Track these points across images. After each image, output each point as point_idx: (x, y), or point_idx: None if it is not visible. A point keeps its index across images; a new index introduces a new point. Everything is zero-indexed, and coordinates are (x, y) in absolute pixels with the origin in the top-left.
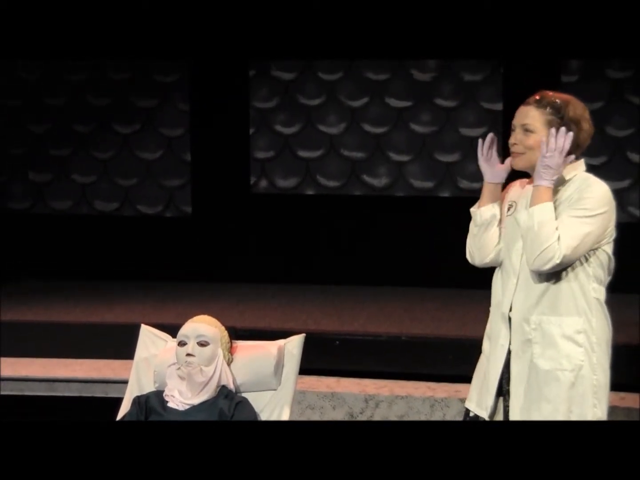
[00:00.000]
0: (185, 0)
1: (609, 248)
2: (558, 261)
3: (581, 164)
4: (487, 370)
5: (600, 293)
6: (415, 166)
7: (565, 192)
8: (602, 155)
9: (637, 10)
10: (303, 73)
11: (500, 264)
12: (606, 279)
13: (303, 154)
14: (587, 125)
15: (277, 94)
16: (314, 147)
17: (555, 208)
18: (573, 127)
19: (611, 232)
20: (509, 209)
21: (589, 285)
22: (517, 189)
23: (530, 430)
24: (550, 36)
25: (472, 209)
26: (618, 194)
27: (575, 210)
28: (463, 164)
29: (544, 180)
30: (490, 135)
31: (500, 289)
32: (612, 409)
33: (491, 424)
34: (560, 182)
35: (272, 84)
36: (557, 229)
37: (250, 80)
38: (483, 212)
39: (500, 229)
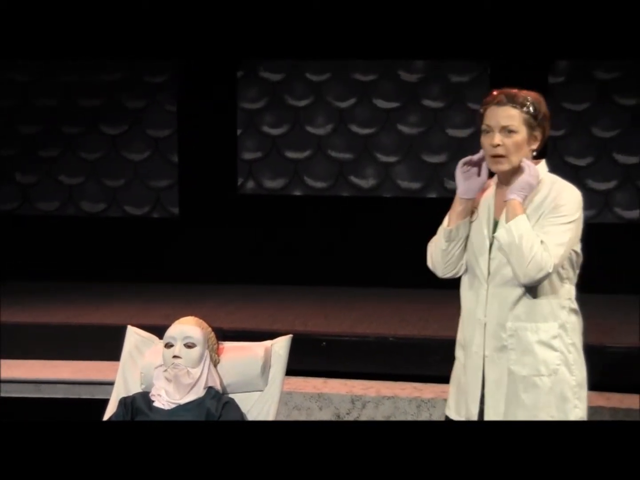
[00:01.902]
0: (174, 1)
1: (578, 247)
2: (550, 270)
3: (544, 164)
4: (466, 378)
5: (572, 293)
6: (402, 167)
7: (537, 196)
8: (589, 156)
9: (624, 11)
10: (291, 74)
11: (465, 271)
12: (575, 276)
13: (290, 155)
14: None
15: (264, 95)
16: (302, 148)
17: (529, 214)
18: (545, 125)
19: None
20: (472, 216)
21: (562, 289)
22: (480, 194)
23: (517, 431)
24: (538, 37)
25: (444, 226)
26: (604, 195)
27: (556, 218)
28: (450, 165)
29: (519, 196)
30: (480, 154)
31: (472, 297)
32: (596, 410)
33: (478, 424)
34: None
35: (260, 85)
36: (540, 239)
37: (238, 81)
38: (458, 229)
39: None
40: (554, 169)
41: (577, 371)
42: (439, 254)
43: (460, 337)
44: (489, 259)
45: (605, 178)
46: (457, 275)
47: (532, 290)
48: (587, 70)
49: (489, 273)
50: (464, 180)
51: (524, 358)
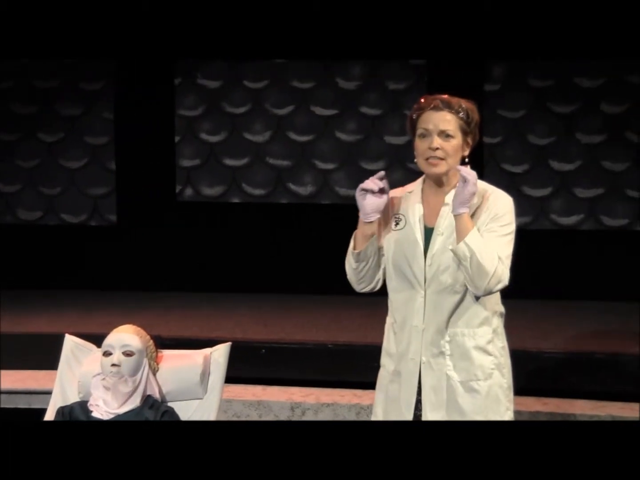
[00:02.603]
0: (113, 5)
1: None
2: (507, 282)
3: None
4: (398, 385)
5: (499, 297)
6: (340, 174)
7: (474, 204)
8: (525, 163)
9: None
10: (228, 81)
11: (392, 280)
12: None
13: (229, 162)
14: None
15: (202, 102)
16: (240, 155)
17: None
18: (476, 132)
19: None
20: (396, 224)
21: (492, 295)
22: (399, 200)
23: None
24: (474, 43)
25: (350, 250)
26: (540, 202)
27: (500, 228)
28: (388, 172)
29: (466, 208)
30: (381, 173)
31: (406, 304)
32: (533, 414)
33: (429, 424)
34: None
35: (198, 92)
36: (496, 253)
37: (176, 88)
38: (366, 250)
39: (380, 253)
40: (490, 175)
41: (507, 374)
42: (351, 273)
43: (387, 344)
44: (425, 266)
45: (541, 185)
46: (375, 290)
47: (469, 296)
48: (523, 77)
49: (425, 280)
50: (365, 203)
51: (461, 363)
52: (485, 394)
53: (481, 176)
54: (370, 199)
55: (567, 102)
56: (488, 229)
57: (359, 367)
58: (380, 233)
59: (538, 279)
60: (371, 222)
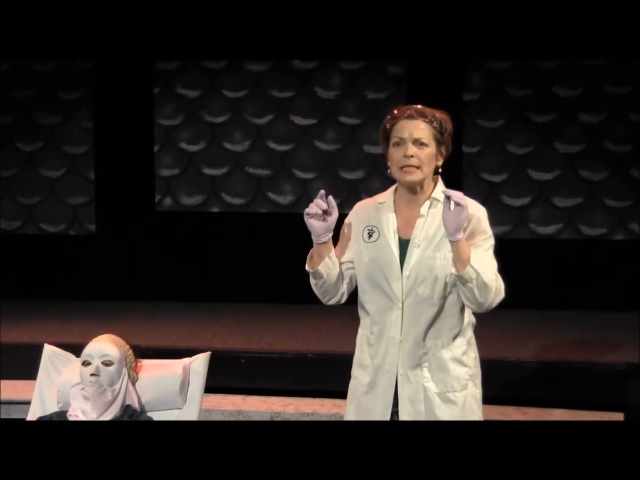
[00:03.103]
0: (92, 11)
1: None
2: (504, 294)
3: (441, 181)
4: (373, 397)
5: (470, 309)
6: (320, 183)
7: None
8: (503, 172)
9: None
10: (207, 90)
11: (365, 293)
12: None
13: (208, 171)
14: None
15: (181, 112)
16: (219, 164)
17: (442, 236)
18: (449, 142)
19: None
20: (370, 235)
21: (464, 306)
22: (369, 212)
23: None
24: (454, 52)
25: (307, 268)
26: (519, 211)
27: (484, 242)
28: (367, 181)
29: (462, 232)
30: (321, 192)
31: (382, 316)
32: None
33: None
34: (432, 202)
35: (177, 101)
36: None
37: (155, 98)
38: (321, 270)
39: (342, 267)
40: (469, 185)
41: (479, 385)
42: (313, 288)
43: (360, 356)
44: (402, 278)
45: (519, 194)
46: (342, 302)
47: (445, 307)
48: (501, 87)
49: (402, 292)
50: (315, 225)
51: (438, 375)
52: (461, 404)
53: (460, 186)
54: (318, 219)
55: (546, 111)
56: (473, 244)
57: (339, 376)
58: (349, 246)
59: (517, 289)
60: (325, 242)
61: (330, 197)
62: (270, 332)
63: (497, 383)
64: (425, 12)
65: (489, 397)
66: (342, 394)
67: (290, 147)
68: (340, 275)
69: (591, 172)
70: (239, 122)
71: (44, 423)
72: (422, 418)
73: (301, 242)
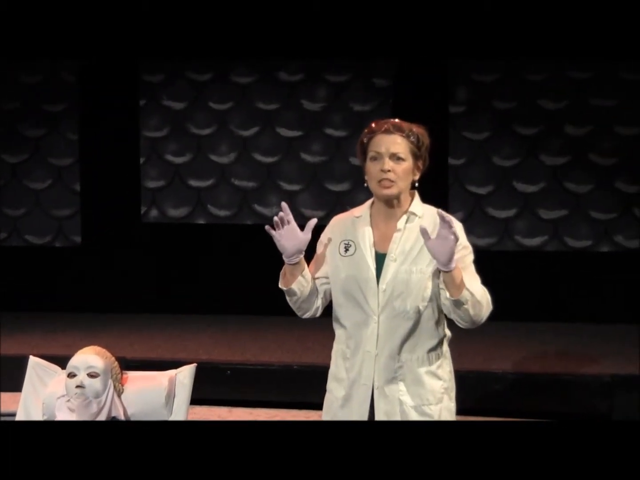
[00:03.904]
0: (79, 22)
1: None
2: (492, 307)
3: (418, 196)
4: (349, 410)
5: (446, 321)
6: (306, 195)
7: (428, 229)
8: (489, 184)
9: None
10: (193, 102)
11: (341, 306)
12: None
13: (194, 183)
14: None
15: (167, 123)
16: (205, 176)
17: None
18: (426, 156)
19: None
20: (346, 250)
21: (442, 320)
22: (346, 226)
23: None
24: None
25: (280, 286)
26: (504, 223)
27: (466, 257)
28: (353, 193)
29: (453, 262)
30: (284, 205)
31: (358, 330)
32: None
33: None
34: (409, 217)
35: (162, 113)
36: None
37: (140, 110)
38: (294, 288)
39: (318, 281)
40: (455, 197)
41: (453, 397)
42: (289, 303)
43: (335, 370)
44: (378, 292)
45: (505, 206)
46: (317, 316)
47: (421, 321)
48: (487, 99)
49: (378, 306)
50: (285, 245)
51: (413, 388)
52: (437, 417)
53: (446, 197)
54: (288, 240)
55: (531, 124)
56: (461, 256)
57: (324, 388)
58: (324, 260)
59: (502, 300)
60: (295, 263)
61: (284, 204)
62: (256, 344)
63: (482, 394)
64: (412, 19)
65: (474, 409)
66: None
67: (276, 159)
68: (315, 290)
69: (577, 185)
70: (224, 134)
71: (32, 423)
72: None
73: None
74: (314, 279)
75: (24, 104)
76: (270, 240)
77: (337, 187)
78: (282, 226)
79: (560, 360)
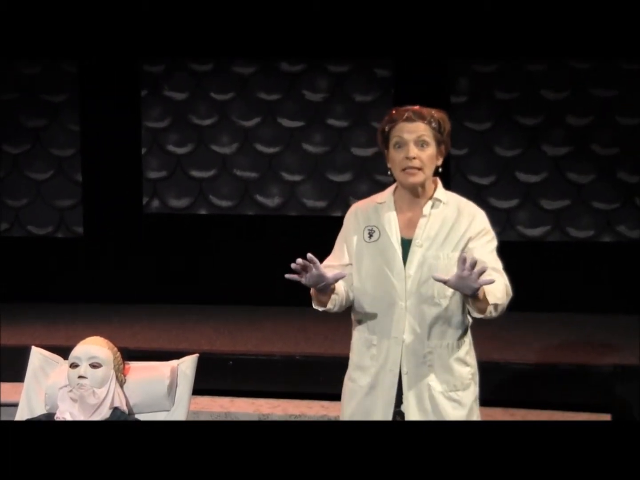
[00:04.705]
0: (79, 12)
1: None
2: (512, 294)
3: (439, 180)
4: (375, 399)
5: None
6: (307, 186)
7: (449, 223)
8: (491, 175)
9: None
10: (195, 93)
11: (366, 294)
12: None
13: (195, 174)
14: None
15: (169, 114)
16: (207, 167)
17: (447, 242)
18: (448, 141)
19: None
20: (370, 235)
21: (465, 306)
22: (369, 212)
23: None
24: (441, 55)
25: (315, 307)
26: (506, 213)
27: (488, 244)
28: (355, 184)
29: (479, 290)
30: (310, 256)
31: (384, 317)
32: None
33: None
34: (434, 203)
35: (164, 104)
36: (500, 280)
37: (142, 100)
38: (330, 306)
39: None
40: (456, 187)
41: (477, 384)
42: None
43: (358, 359)
44: (405, 277)
45: (507, 196)
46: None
47: (449, 307)
48: (488, 89)
49: (405, 292)
50: (308, 283)
51: (442, 374)
52: (464, 404)
53: (447, 188)
54: (316, 282)
55: (533, 114)
56: (479, 246)
57: (327, 378)
58: (347, 248)
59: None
60: (322, 288)
61: (311, 256)
62: (258, 334)
63: (484, 385)
64: (411, 14)
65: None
66: (330, 396)
67: (278, 150)
68: (347, 291)
69: (578, 175)
70: (226, 124)
71: (32, 423)
72: (429, 416)
73: (288, 244)
74: (341, 265)
75: (25, 94)
76: (271, 231)
77: (338, 177)
78: (307, 271)
79: (561, 351)
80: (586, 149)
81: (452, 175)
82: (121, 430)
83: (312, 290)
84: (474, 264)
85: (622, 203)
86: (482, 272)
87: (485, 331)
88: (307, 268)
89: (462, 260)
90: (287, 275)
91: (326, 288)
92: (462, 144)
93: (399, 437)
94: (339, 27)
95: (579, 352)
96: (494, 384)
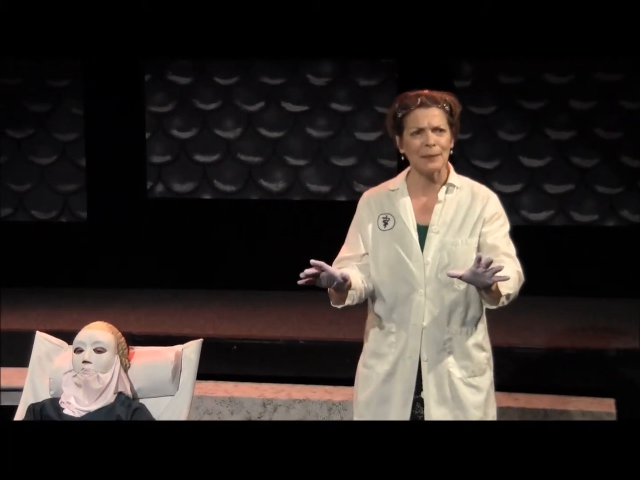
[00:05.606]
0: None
1: None
2: (524, 279)
3: (451, 165)
4: (393, 386)
5: None
6: (311, 170)
7: (464, 206)
8: (495, 159)
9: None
10: (198, 78)
11: (384, 282)
12: None
13: (199, 158)
14: None
15: (173, 98)
16: (211, 151)
17: (461, 226)
18: (459, 123)
19: None
20: (385, 223)
21: (480, 292)
22: (382, 199)
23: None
24: (444, 40)
25: (333, 305)
26: (510, 198)
27: (501, 228)
28: (359, 168)
29: (492, 284)
30: (315, 262)
31: (403, 304)
32: (504, 410)
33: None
34: (448, 188)
35: (168, 88)
36: (511, 266)
37: (146, 85)
38: (348, 302)
39: (363, 259)
40: (460, 172)
41: (492, 368)
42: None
43: (375, 346)
44: (423, 263)
45: (511, 181)
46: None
47: (468, 292)
48: (492, 74)
49: (424, 278)
50: (321, 285)
51: (461, 360)
52: (482, 389)
53: None
54: (328, 283)
55: (537, 98)
56: (492, 230)
57: (330, 363)
58: (362, 238)
59: None
60: (337, 286)
61: (315, 262)
62: (262, 318)
63: None
64: (415, 6)
65: None
66: (334, 381)
67: (282, 134)
68: (364, 283)
69: (582, 159)
70: (230, 109)
71: (32, 423)
72: (448, 403)
73: (292, 229)
74: (358, 256)
75: (28, 79)
76: (275, 215)
77: (342, 162)
78: (317, 276)
79: (565, 335)
80: (590, 134)
81: (455, 160)
82: (121, 430)
83: (329, 290)
84: (488, 263)
85: (625, 187)
86: (497, 271)
87: (488, 316)
88: (316, 273)
89: (477, 259)
90: (300, 282)
91: (341, 286)
92: (466, 129)
93: (411, 437)
94: (339, 27)
95: (583, 336)
96: (497, 369)
